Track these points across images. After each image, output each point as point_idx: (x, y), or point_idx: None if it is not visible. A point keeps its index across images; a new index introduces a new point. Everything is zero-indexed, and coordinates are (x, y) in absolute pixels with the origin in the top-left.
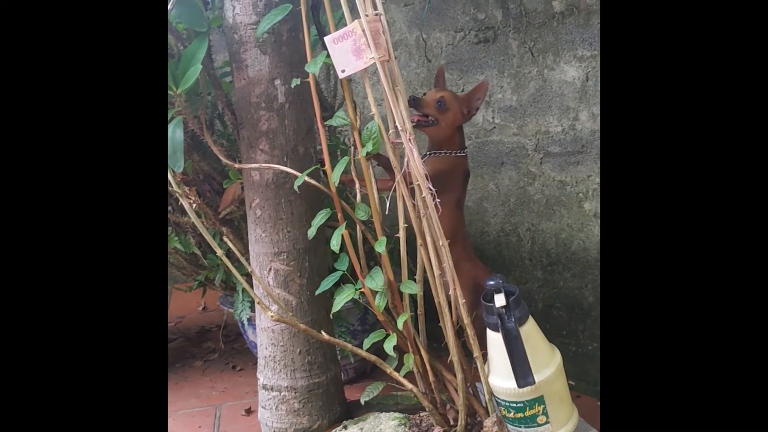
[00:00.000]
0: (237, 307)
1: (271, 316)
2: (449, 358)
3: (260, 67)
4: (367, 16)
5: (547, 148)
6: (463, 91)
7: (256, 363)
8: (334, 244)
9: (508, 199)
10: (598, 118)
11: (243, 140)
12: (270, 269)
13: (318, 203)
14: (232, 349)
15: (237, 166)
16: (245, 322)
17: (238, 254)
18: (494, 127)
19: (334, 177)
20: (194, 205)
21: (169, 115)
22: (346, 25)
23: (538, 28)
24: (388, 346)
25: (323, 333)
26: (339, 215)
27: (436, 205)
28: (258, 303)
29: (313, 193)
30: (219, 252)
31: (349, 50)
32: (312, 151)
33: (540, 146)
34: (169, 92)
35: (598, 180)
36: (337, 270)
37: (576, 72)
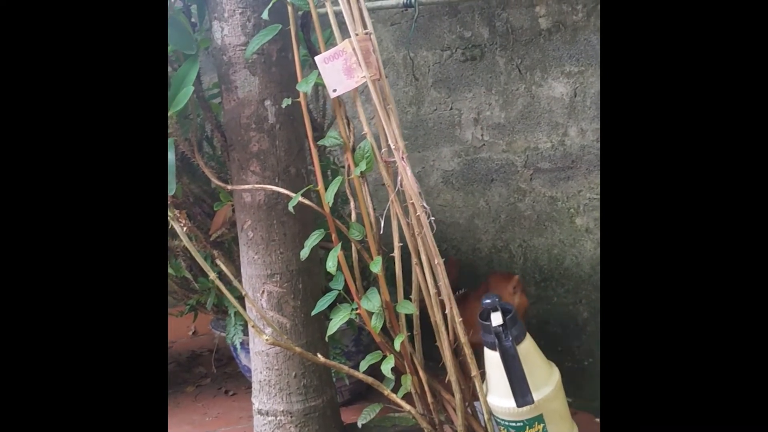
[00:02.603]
0: (229, 330)
1: (266, 340)
2: (447, 378)
3: (250, 88)
4: (357, 35)
5: (537, 164)
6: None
7: (249, 387)
8: (330, 266)
9: (499, 215)
10: (588, 133)
11: (233, 162)
12: (263, 291)
13: (310, 224)
14: (224, 374)
15: (229, 187)
16: (238, 346)
17: (231, 277)
18: (483, 145)
19: (328, 197)
20: (185, 228)
21: None
22: (336, 44)
23: (525, 45)
24: (386, 368)
25: (319, 355)
26: (333, 236)
27: (430, 223)
28: (252, 326)
29: (306, 214)
30: (212, 275)
31: (341, 69)
32: (303, 171)
33: (529, 162)
34: None
35: (588, 195)
36: (332, 290)
37: (564, 88)
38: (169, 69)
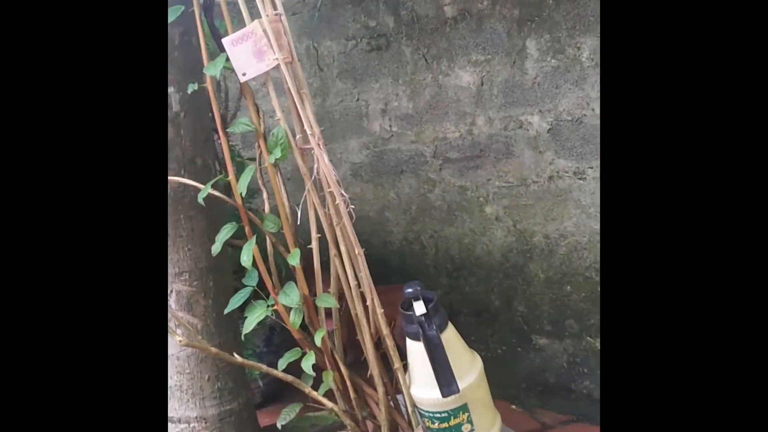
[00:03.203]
0: None
1: (179, 341)
2: (369, 372)
3: None
4: (267, 16)
5: (446, 154)
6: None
7: None
8: (245, 260)
9: (410, 207)
10: (495, 122)
11: None
12: (171, 291)
13: (220, 218)
14: None
15: None
16: None
17: None
18: (392, 136)
19: (241, 187)
20: None
21: None
22: (243, 27)
23: (431, 34)
24: (307, 365)
25: (236, 355)
26: (247, 229)
27: (349, 212)
28: (170, 332)
29: (214, 208)
30: None
31: (250, 52)
32: (211, 162)
33: (438, 153)
34: None
35: (497, 183)
36: (246, 286)
37: (471, 77)
38: None
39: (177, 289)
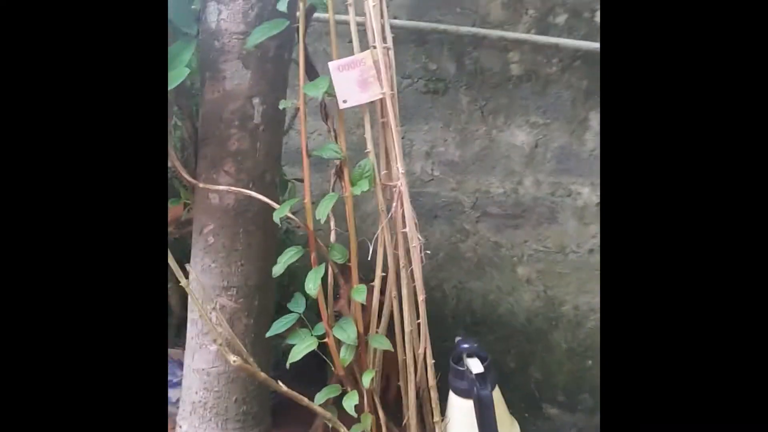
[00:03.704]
0: None
1: (234, 361)
2: (405, 421)
3: (239, 82)
4: (374, 47)
5: (486, 207)
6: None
7: None
8: (312, 288)
9: (437, 253)
10: (543, 185)
11: (204, 158)
12: (215, 304)
13: (272, 238)
14: None
15: (201, 185)
16: None
17: (183, 283)
18: (432, 179)
19: (321, 213)
20: None
21: None
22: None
23: (492, 88)
24: (349, 404)
25: (280, 383)
26: (313, 256)
27: (422, 258)
28: (219, 345)
29: (272, 226)
30: (183, 281)
31: (355, 80)
32: (277, 180)
33: (478, 205)
34: None
35: (534, 246)
36: (292, 312)
37: (526, 137)
38: None
39: (222, 303)
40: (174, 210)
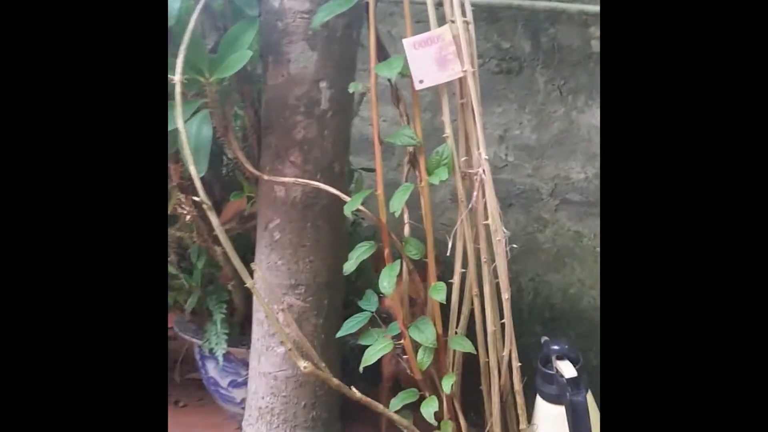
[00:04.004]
0: (210, 338)
1: (305, 367)
2: (488, 428)
3: (305, 64)
4: (453, 22)
5: (565, 194)
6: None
7: (202, 399)
8: (386, 287)
9: (511, 244)
10: None
11: (268, 148)
12: (283, 303)
13: (341, 232)
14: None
15: (266, 177)
16: (209, 355)
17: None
18: (506, 165)
19: (395, 206)
20: (189, 217)
21: (195, 107)
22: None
23: (571, 66)
24: (428, 412)
25: (354, 389)
26: (387, 251)
27: (507, 252)
28: (288, 350)
29: (341, 220)
30: (249, 282)
31: (432, 58)
32: (345, 170)
33: (557, 192)
34: (200, 79)
35: None
36: (364, 310)
37: None
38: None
39: (289, 303)
40: (236, 204)
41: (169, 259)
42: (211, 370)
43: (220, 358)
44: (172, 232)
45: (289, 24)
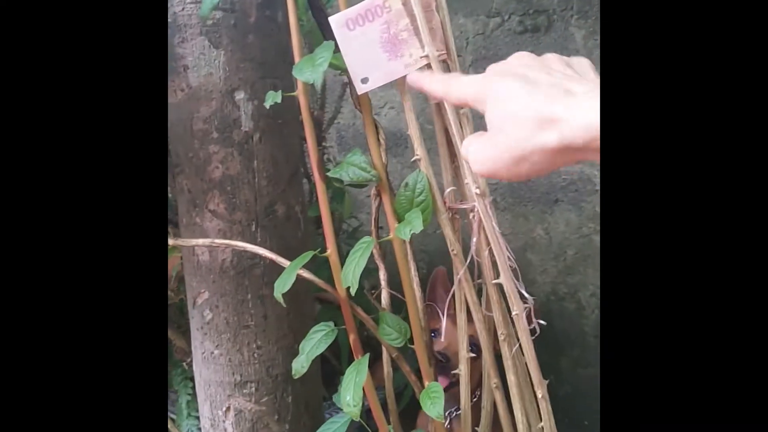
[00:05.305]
0: (179, 423)
1: None
2: None
3: (210, 70)
4: None
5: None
6: None
7: None
8: (350, 403)
9: (564, 251)
10: None
11: (182, 194)
12: (228, 408)
13: (304, 295)
14: None
15: (172, 241)
16: None
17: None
18: None
19: (348, 279)
20: None
21: None
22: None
23: None
24: None
25: None
26: (352, 338)
27: (529, 316)
28: None
29: (299, 283)
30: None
31: (377, 41)
32: (299, 209)
33: None
34: None
35: None
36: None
37: None
38: None
39: (236, 407)
40: (171, 261)
41: None
42: None
43: None
44: None
45: (178, 14)
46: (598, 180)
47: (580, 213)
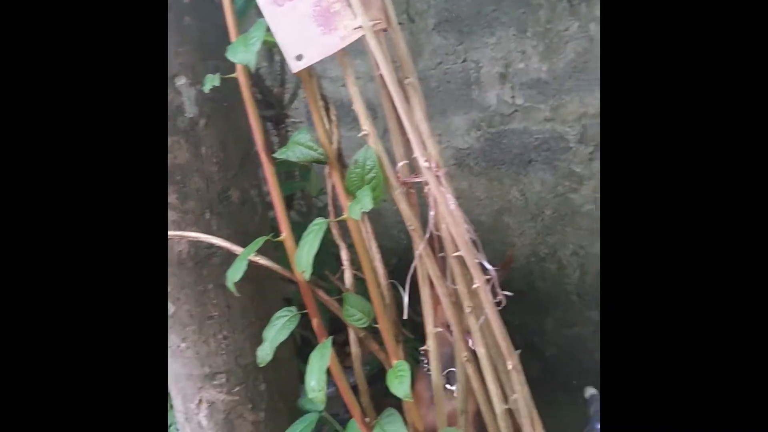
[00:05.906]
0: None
1: None
2: None
3: None
4: None
5: (600, 137)
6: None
7: None
8: (314, 387)
9: (541, 211)
10: None
11: None
12: (200, 401)
13: (269, 281)
14: None
15: None
16: None
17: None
18: (515, 111)
19: (301, 263)
20: None
21: None
22: None
23: None
24: None
25: None
26: (315, 322)
27: (493, 288)
28: None
29: (261, 269)
30: None
31: (309, 15)
32: (255, 192)
33: (588, 136)
34: None
35: None
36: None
37: None
38: None
39: (208, 399)
40: None
41: None
42: None
43: None
44: None
45: None
46: (570, 137)
47: (554, 172)
